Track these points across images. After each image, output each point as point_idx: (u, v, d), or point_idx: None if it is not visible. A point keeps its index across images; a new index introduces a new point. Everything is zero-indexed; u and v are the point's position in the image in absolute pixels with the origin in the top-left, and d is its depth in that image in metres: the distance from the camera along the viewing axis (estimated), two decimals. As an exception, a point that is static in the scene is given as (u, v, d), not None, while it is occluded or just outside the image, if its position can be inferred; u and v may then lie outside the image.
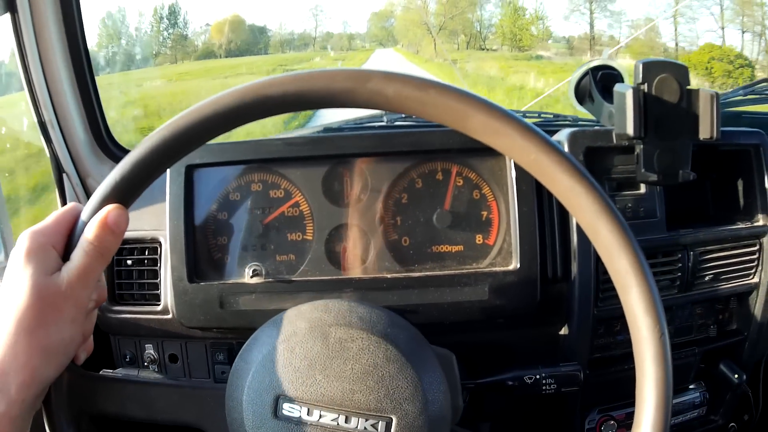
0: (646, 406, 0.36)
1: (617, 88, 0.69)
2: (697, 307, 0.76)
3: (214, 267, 0.65)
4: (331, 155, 0.64)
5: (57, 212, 0.39)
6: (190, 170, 0.65)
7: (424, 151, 0.64)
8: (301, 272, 0.64)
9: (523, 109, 1.04)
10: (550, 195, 0.66)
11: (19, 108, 0.83)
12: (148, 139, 0.38)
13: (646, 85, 0.65)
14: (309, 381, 0.40)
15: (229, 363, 0.70)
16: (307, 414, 0.40)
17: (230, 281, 0.64)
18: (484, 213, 0.65)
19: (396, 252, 0.64)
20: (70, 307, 0.38)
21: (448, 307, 0.62)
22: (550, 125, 0.87)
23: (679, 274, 0.72)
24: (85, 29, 0.79)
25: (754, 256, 0.75)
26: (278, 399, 0.40)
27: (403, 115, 0.77)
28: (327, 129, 0.75)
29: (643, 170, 0.67)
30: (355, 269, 0.63)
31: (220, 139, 0.64)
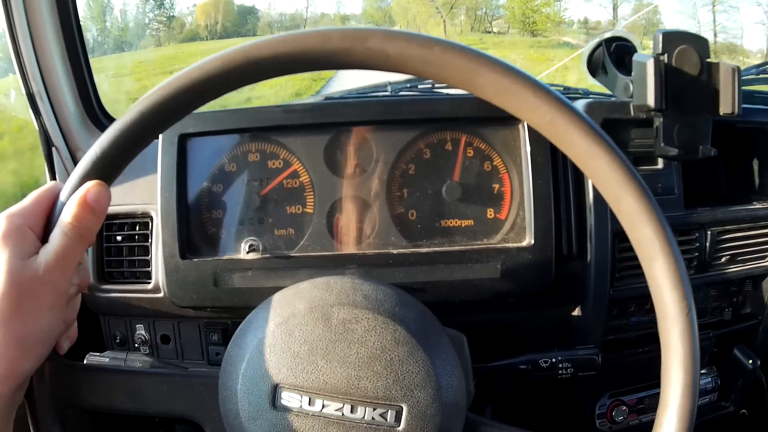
0: (673, 386, 0.31)
1: (636, 57, 0.63)
2: (712, 290, 0.71)
3: (208, 242, 0.59)
4: (334, 123, 0.57)
5: (35, 192, 0.34)
6: (183, 140, 0.58)
7: (433, 120, 0.57)
8: (301, 247, 0.57)
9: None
10: (565, 168, 0.60)
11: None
12: (131, 109, 0.33)
13: (666, 56, 0.59)
14: (310, 367, 0.34)
15: (224, 344, 0.63)
16: (309, 403, 0.34)
17: (225, 257, 0.57)
18: (496, 186, 0.58)
19: (402, 226, 0.57)
20: (48, 293, 0.32)
21: (458, 285, 0.55)
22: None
23: (696, 254, 0.66)
24: (75, -3, 0.72)
25: (771, 238, 0.69)
26: (276, 388, 0.35)
27: (408, 85, 0.70)
28: (328, 98, 0.69)
29: (662, 144, 0.61)
30: (358, 244, 0.57)
31: (216, 107, 0.58)
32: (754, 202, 0.70)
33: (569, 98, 0.84)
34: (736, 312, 0.72)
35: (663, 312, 0.32)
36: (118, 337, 0.67)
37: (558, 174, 0.59)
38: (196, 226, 0.58)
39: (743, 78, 0.90)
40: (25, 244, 0.32)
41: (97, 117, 0.75)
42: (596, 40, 0.71)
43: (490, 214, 0.58)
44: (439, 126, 0.58)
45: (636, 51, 0.72)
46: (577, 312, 0.62)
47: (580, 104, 0.62)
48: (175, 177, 0.57)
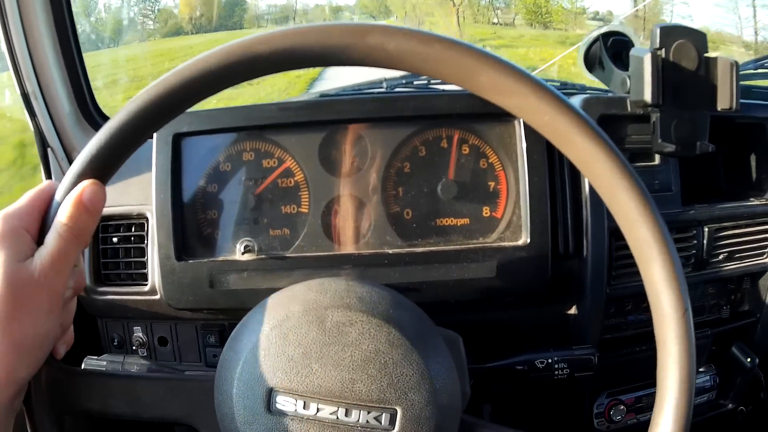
0: (669, 386, 0.31)
1: (634, 52, 0.62)
2: (710, 287, 0.70)
3: (204, 243, 0.58)
4: (329, 120, 0.56)
5: (30, 192, 0.34)
6: (177, 139, 0.57)
7: (429, 117, 0.57)
8: (296, 248, 0.56)
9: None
10: (561, 166, 0.59)
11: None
12: (126, 107, 0.32)
13: (663, 50, 0.58)
14: (304, 371, 0.34)
15: (221, 345, 0.63)
16: (303, 407, 0.34)
17: (220, 258, 0.56)
18: (492, 183, 0.58)
19: (398, 225, 0.56)
20: (44, 296, 0.32)
21: (454, 284, 0.55)
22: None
23: (694, 251, 0.65)
24: (69, -4, 0.71)
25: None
26: (271, 392, 0.34)
27: (404, 81, 0.69)
28: (323, 95, 0.68)
29: (660, 140, 0.60)
30: (353, 244, 0.56)
31: (210, 105, 0.57)
32: (752, 199, 0.69)
33: (566, 94, 0.83)
34: (734, 309, 0.72)
35: (659, 313, 0.32)
36: (115, 340, 0.66)
37: (554, 171, 0.58)
38: (191, 227, 0.58)
39: (741, 73, 0.90)
40: (21, 246, 0.32)
41: (92, 116, 0.74)
42: (593, 35, 0.71)
43: (486, 213, 0.58)
44: (434, 123, 0.57)
45: (633, 46, 0.71)
46: (573, 310, 0.61)
47: (576, 100, 0.61)
48: (170, 177, 0.56)
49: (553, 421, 0.69)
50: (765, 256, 0.70)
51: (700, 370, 0.73)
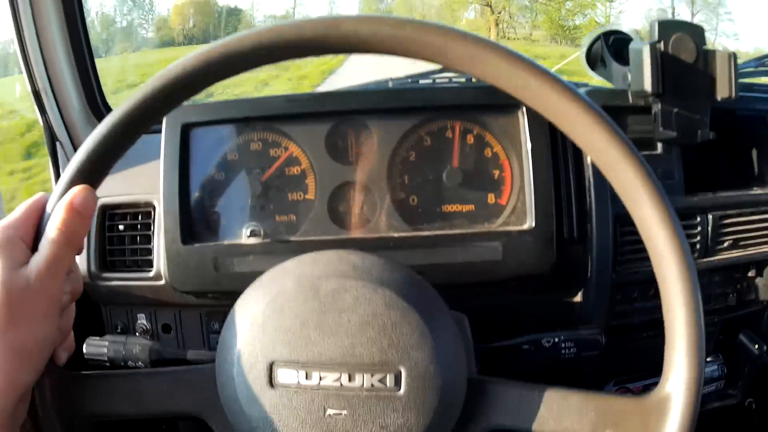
0: (677, 324, 0.32)
1: (633, 45, 0.63)
2: (716, 275, 0.70)
3: (210, 229, 0.58)
4: (336, 111, 0.57)
5: (25, 203, 0.35)
6: (186, 129, 0.58)
7: (434, 108, 0.57)
8: (302, 233, 0.57)
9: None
10: (565, 153, 0.60)
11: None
12: (113, 113, 0.34)
13: (662, 43, 0.60)
14: (303, 341, 0.34)
15: None
16: (306, 378, 0.33)
17: (226, 242, 0.57)
18: (496, 172, 0.58)
19: (404, 211, 0.57)
20: (41, 302, 0.32)
21: (460, 267, 0.55)
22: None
23: (698, 238, 0.65)
24: (80, -6, 0.72)
25: (773, 223, 0.69)
26: (272, 366, 0.34)
27: (410, 80, 0.70)
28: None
29: (661, 129, 0.61)
30: (359, 229, 0.56)
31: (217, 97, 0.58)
32: (755, 188, 0.70)
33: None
34: (741, 298, 0.71)
35: (657, 255, 0.32)
36: (119, 327, 0.66)
37: (558, 159, 0.59)
38: (198, 213, 0.58)
39: (743, 71, 0.91)
40: (17, 254, 0.33)
41: (102, 113, 0.75)
42: (595, 34, 0.72)
43: (491, 199, 0.58)
44: (439, 114, 0.58)
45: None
46: (579, 297, 0.61)
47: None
48: (178, 165, 0.57)
49: None
50: (769, 244, 0.70)
51: (708, 359, 0.72)
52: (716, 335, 0.70)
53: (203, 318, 0.63)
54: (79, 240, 0.34)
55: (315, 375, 0.33)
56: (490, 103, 0.57)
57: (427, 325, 0.34)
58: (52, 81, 0.72)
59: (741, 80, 0.89)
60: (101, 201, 0.62)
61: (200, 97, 0.41)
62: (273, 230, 0.57)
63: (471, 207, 0.58)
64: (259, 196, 0.58)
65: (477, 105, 0.58)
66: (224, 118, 0.58)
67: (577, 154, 0.60)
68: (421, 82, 0.75)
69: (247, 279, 0.55)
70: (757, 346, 0.69)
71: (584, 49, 0.73)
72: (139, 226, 0.62)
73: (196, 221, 0.58)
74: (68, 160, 0.73)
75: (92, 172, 0.34)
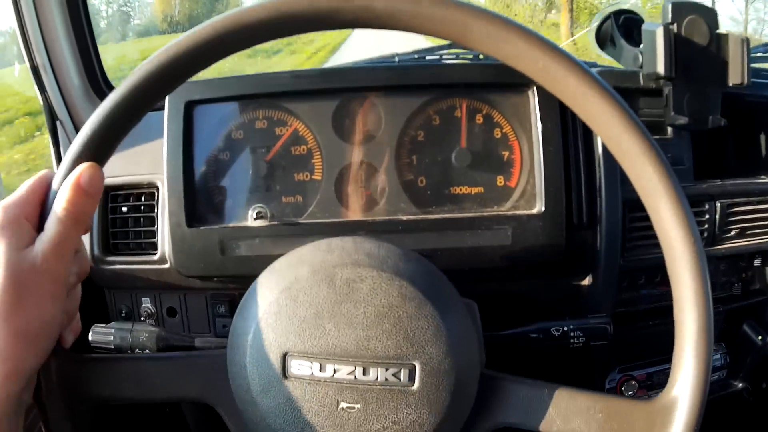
0: (687, 329, 0.31)
1: (646, 26, 0.62)
2: (721, 264, 0.69)
3: (215, 211, 0.57)
4: (343, 88, 0.56)
5: (29, 181, 0.33)
6: (189, 107, 0.57)
7: (443, 86, 0.56)
8: (309, 214, 0.56)
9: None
10: (575, 136, 0.59)
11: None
12: (118, 88, 0.32)
13: (675, 25, 0.58)
14: (317, 332, 0.33)
15: (231, 315, 0.61)
16: (320, 370, 0.33)
17: (232, 225, 0.56)
18: (506, 153, 0.57)
19: (412, 193, 0.56)
20: (47, 283, 0.31)
21: (468, 252, 0.54)
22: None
23: (706, 226, 0.64)
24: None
25: (780, 212, 0.68)
26: (285, 356, 0.33)
27: (416, 56, 0.69)
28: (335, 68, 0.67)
29: (672, 113, 0.60)
30: (367, 211, 0.55)
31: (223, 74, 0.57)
32: (762, 176, 0.69)
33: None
34: (746, 287, 0.71)
35: (671, 254, 0.32)
36: (123, 311, 0.65)
37: (568, 141, 0.58)
38: (202, 195, 0.57)
39: (751, 56, 0.90)
40: (22, 235, 0.31)
41: (102, 90, 0.73)
42: (605, 13, 0.70)
43: (500, 182, 0.57)
44: (448, 92, 0.57)
45: (643, 23, 0.71)
46: (587, 282, 0.61)
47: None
48: (182, 145, 0.56)
49: None
50: (776, 233, 0.69)
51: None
52: (720, 324, 0.70)
53: (209, 301, 0.62)
54: (86, 219, 0.33)
55: (329, 367, 0.33)
56: (500, 82, 0.56)
57: (442, 318, 0.34)
58: (51, 56, 0.70)
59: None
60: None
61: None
62: (279, 212, 0.56)
63: (480, 189, 0.57)
64: (265, 176, 0.56)
65: (487, 84, 0.56)
66: (228, 96, 0.57)
67: (587, 136, 0.59)
68: (428, 58, 0.73)
69: (254, 263, 0.55)
70: (760, 337, 0.69)
71: (594, 28, 0.72)
72: (142, 208, 0.61)
73: (200, 203, 0.57)
74: (69, 139, 0.71)
75: (98, 149, 0.33)
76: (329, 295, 0.34)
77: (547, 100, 0.55)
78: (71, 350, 0.36)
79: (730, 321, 0.72)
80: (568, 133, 0.57)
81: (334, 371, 0.33)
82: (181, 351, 0.52)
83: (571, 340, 0.52)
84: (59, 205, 0.32)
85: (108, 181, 0.61)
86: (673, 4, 0.59)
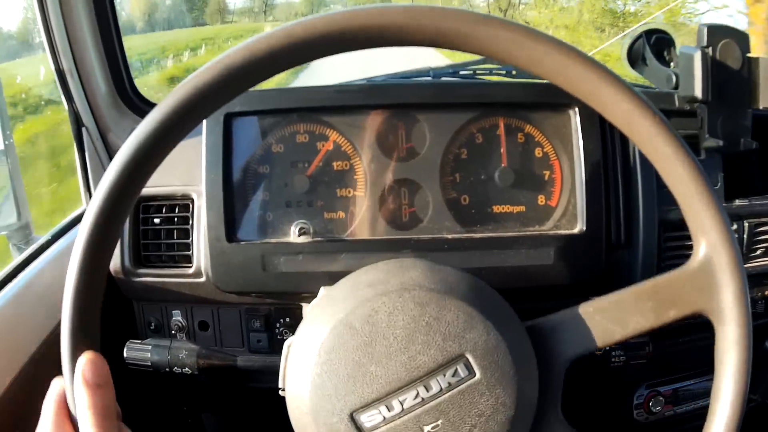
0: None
1: (682, 50, 0.63)
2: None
3: (255, 225, 0.56)
4: (388, 104, 0.55)
5: (47, 406, 0.33)
6: (229, 119, 0.56)
7: (486, 105, 0.56)
8: (353, 231, 0.55)
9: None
10: (614, 157, 0.59)
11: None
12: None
13: (710, 49, 0.59)
14: (366, 379, 0.33)
15: (266, 331, 0.61)
16: (388, 410, 0.33)
17: (274, 240, 0.55)
18: (547, 173, 0.57)
19: (456, 211, 0.56)
20: None
21: (512, 271, 0.54)
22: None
23: (735, 245, 0.66)
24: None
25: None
26: (353, 415, 0.33)
27: (450, 71, 0.69)
28: (371, 81, 0.67)
29: (707, 135, 0.61)
30: (411, 228, 0.55)
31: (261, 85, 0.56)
32: None
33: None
34: (768, 304, 0.72)
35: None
36: (152, 324, 0.64)
37: (607, 161, 0.58)
38: (242, 209, 0.56)
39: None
40: None
41: (129, 97, 0.72)
42: (637, 32, 0.71)
43: (541, 201, 0.57)
44: (490, 110, 0.57)
45: (674, 43, 0.73)
46: None
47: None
48: (221, 158, 0.55)
49: (593, 410, 0.69)
50: (798, 252, 0.71)
51: None
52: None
53: (243, 316, 0.61)
54: (112, 405, 0.33)
55: (395, 403, 0.33)
56: (543, 101, 0.57)
57: (463, 300, 0.34)
58: (77, 61, 0.68)
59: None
60: None
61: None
62: (322, 228, 0.55)
63: (521, 208, 0.57)
64: (307, 191, 0.56)
65: (529, 103, 0.57)
66: (269, 109, 0.56)
67: (625, 156, 0.59)
68: (462, 72, 0.73)
69: (296, 279, 0.54)
70: (782, 353, 0.70)
71: (626, 47, 0.72)
72: (176, 220, 0.60)
73: (239, 217, 0.56)
74: (94, 146, 0.70)
75: (88, 330, 0.32)
76: (356, 343, 0.34)
77: (589, 120, 0.56)
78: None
79: (753, 337, 0.73)
80: (607, 153, 0.58)
81: (402, 403, 0.33)
82: (223, 372, 0.52)
83: (613, 360, 0.53)
84: (83, 416, 0.32)
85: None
86: (709, 28, 0.60)
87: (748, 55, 0.61)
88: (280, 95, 0.56)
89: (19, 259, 0.65)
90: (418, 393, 0.33)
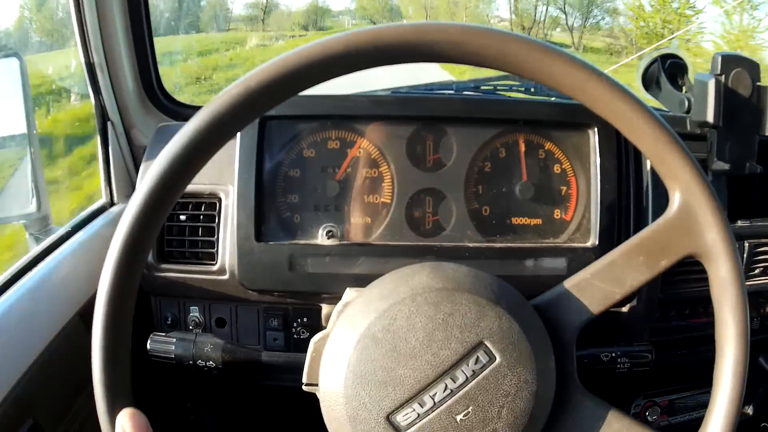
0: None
1: (698, 77, 0.66)
2: (743, 300, 0.74)
3: (284, 226, 0.58)
4: (420, 116, 0.58)
5: None
6: (263, 122, 0.58)
7: (510, 121, 0.59)
8: (379, 236, 0.58)
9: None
10: (628, 175, 0.63)
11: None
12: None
13: (723, 76, 0.63)
14: (396, 382, 0.36)
15: (283, 330, 0.63)
16: (421, 406, 0.35)
17: (302, 242, 0.57)
18: (563, 188, 0.60)
19: (477, 221, 0.58)
20: None
21: (528, 280, 0.57)
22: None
23: (736, 265, 0.69)
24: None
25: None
26: (389, 417, 0.36)
27: (472, 85, 0.72)
28: (395, 92, 0.69)
29: (716, 159, 0.65)
30: (434, 236, 0.58)
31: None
32: None
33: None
34: (763, 322, 0.76)
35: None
36: (169, 319, 0.65)
37: (622, 180, 0.61)
38: (271, 210, 0.58)
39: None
40: None
41: (156, 95, 0.73)
42: (651, 56, 0.75)
43: (557, 215, 0.60)
44: (514, 127, 0.60)
45: (687, 69, 0.76)
46: (626, 311, 0.64)
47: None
48: (255, 159, 0.57)
49: None
50: (793, 273, 0.74)
51: None
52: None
53: (261, 314, 0.63)
54: None
55: (426, 398, 0.35)
56: (564, 120, 0.59)
57: (471, 293, 0.37)
58: (108, 56, 0.69)
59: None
60: None
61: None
62: (348, 232, 0.58)
63: (538, 221, 0.60)
64: (336, 196, 0.58)
65: (551, 121, 0.60)
66: (304, 114, 0.58)
67: (639, 175, 0.63)
68: (483, 87, 0.76)
69: (322, 280, 0.56)
70: (775, 368, 0.74)
71: (641, 70, 0.76)
72: (202, 217, 0.62)
73: (269, 218, 0.58)
74: (119, 142, 0.71)
75: (120, 393, 0.33)
76: (380, 350, 0.36)
77: (607, 140, 0.59)
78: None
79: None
80: (621, 172, 0.61)
81: (433, 398, 0.35)
82: (247, 367, 0.53)
83: (618, 366, 0.56)
84: None
85: None
86: (723, 57, 0.64)
87: (759, 83, 0.65)
88: (314, 102, 0.58)
89: (38, 249, 0.66)
90: (446, 386, 0.35)
